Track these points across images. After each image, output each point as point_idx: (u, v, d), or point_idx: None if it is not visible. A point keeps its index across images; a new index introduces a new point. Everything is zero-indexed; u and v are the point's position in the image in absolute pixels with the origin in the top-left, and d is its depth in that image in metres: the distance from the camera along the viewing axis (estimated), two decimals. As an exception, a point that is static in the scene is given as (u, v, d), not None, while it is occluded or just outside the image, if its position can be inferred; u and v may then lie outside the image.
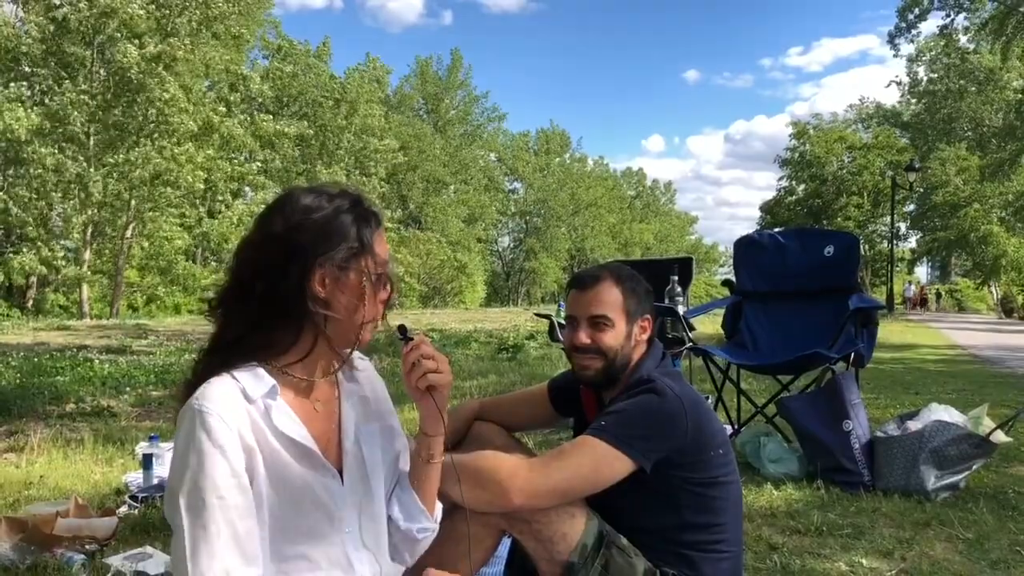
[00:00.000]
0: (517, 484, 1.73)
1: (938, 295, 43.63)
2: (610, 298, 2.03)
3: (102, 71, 21.65)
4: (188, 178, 21.36)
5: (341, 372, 1.56)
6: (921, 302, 35.85)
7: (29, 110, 19.50)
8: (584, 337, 2.03)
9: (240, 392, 1.38)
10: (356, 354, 1.59)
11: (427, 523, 1.61)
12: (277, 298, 1.39)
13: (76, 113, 20.36)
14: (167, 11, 21.95)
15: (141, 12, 20.41)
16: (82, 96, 20.57)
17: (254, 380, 1.40)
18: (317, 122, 31.71)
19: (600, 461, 1.80)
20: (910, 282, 42.71)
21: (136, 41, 20.77)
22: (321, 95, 33.34)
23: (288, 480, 1.41)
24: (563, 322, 5.70)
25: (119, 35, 20.93)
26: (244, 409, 1.37)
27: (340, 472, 1.49)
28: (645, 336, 2.10)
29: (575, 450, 1.83)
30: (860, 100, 52.52)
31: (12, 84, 19.66)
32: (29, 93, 20.72)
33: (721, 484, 1.99)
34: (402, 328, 1.53)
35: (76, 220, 21.21)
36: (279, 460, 1.40)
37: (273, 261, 1.39)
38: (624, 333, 2.04)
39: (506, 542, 2.01)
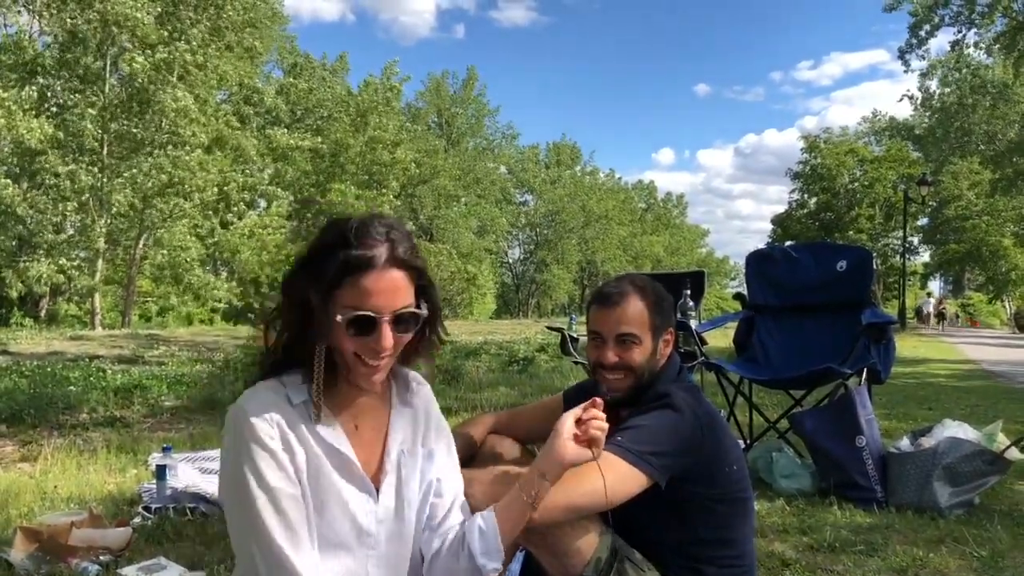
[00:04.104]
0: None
1: (956, 315, 43.10)
2: (637, 315, 2.01)
3: (114, 82, 21.80)
4: (199, 183, 21.43)
5: (396, 392, 1.59)
6: (939, 316, 35.13)
7: (44, 120, 19.63)
8: (612, 356, 2.00)
9: (284, 397, 1.44)
10: (415, 377, 1.63)
11: (499, 564, 1.58)
12: (297, 318, 1.45)
13: (89, 125, 20.50)
14: (178, 22, 22.13)
15: (148, 19, 20.48)
16: (95, 107, 20.72)
17: (296, 387, 1.46)
18: (331, 136, 31.82)
19: (615, 477, 1.78)
20: (929, 294, 42.03)
21: (148, 51, 20.91)
22: (336, 110, 33.50)
23: (323, 486, 1.44)
24: (575, 335, 5.70)
25: (131, 46, 21.08)
26: (286, 412, 1.42)
27: (377, 490, 1.51)
28: (668, 350, 2.09)
29: (591, 466, 1.83)
30: (873, 113, 52.51)
31: (24, 91, 19.78)
32: (44, 105, 20.89)
33: (734, 500, 1.98)
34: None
35: (97, 229, 21.32)
36: (317, 465, 1.44)
37: (286, 283, 1.47)
38: (651, 349, 2.02)
39: (519, 556, 2.02)
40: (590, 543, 1.80)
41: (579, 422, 1.66)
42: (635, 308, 2.01)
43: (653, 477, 1.83)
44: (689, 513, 1.93)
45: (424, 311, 1.47)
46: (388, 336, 1.41)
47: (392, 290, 1.41)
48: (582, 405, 1.68)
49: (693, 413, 1.93)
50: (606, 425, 1.66)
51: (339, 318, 1.38)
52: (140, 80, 20.59)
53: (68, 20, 20.81)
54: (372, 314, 1.39)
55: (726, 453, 1.98)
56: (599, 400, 1.69)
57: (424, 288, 1.49)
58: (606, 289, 2.08)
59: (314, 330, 1.43)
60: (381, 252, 1.40)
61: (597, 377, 2.07)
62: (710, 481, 1.93)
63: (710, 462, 1.93)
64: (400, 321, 1.43)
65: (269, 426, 1.39)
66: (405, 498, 1.55)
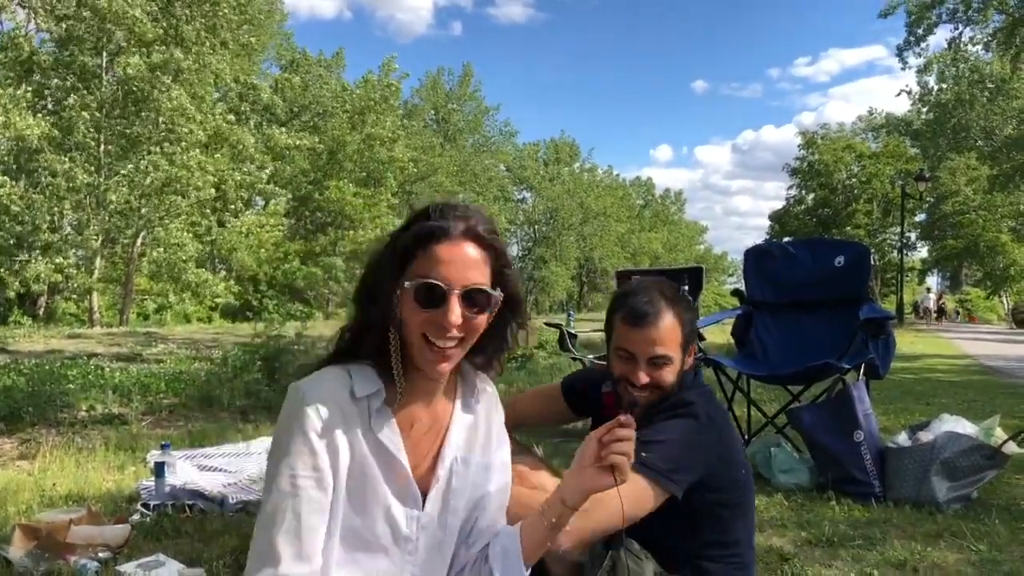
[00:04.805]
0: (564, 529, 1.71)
1: (956, 311, 43.06)
2: (670, 335, 1.95)
3: (111, 79, 21.74)
4: (198, 183, 21.39)
5: (461, 398, 1.54)
6: (939, 312, 35.03)
7: (41, 118, 19.58)
8: (644, 377, 1.95)
9: (348, 389, 1.40)
10: (482, 378, 1.57)
11: None
12: (373, 307, 1.42)
13: (82, 124, 20.47)
14: (173, 19, 22.06)
15: (142, 17, 20.39)
16: (91, 107, 20.71)
17: (364, 379, 1.42)
18: (328, 133, 31.79)
19: (641, 497, 1.78)
20: (929, 290, 41.96)
21: (144, 50, 20.84)
22: (332, 106, 33.49)
23: (368, 487, 1.41)
24: (573, 332, 5.69)
25: (126, 44, 21.00)
26: (347, 406, 1.39)
27: (424, 495, 1.47)
28: (691, 360, 2.04)
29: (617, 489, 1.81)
30: (869, 112, 52.57)
31: (21, 89, 19.70)
32: (43, 103, 20.84)
33: (739, 504, 2.00)
34: (630, 405, 1.57)
35: (92, 228, 21.29)
36: (366, 465, 1.41)
37: (367, 269, 1.45)
38: (680, 366, 1.99)
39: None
40: None
41: (602, 443, 1.50)
42: (668, 327, 1.95)
43: (672, 491, 1.83)
44: (698, 518, 1.93)
45: (495, 293, 1.40)
46: (456, 310, 1.34)
47: (464, 262, 1.37)
48: (606, 425, 1.50)
49: (713, 423, 1.93)
50: (630, 449, 1.48)
51: (407, 284, 1.35)
52: (137, 84, 20.54)
53: (64, 22, 20.77)
54: (440, 284, 1.34)
55: (738, 459, 2.00)
56: (625, 419, 1.49)
57: (502, 273, 1.43)
58: (639, 307, 1.97)
59: (388, 312, 1.39)
60: (458, 225, 1.38)
61: (620, 390, 2.02)
62: (720, 488, 1.94)
63: (724, 470, 1.94)
64: (470, 298, 1.37)
65: (321, 420, 1.35)
66: (452, 507, 1.51)
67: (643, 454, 1.82)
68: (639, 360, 1.96)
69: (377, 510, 1.42)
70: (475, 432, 1.56)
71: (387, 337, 1.41)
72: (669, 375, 1.96)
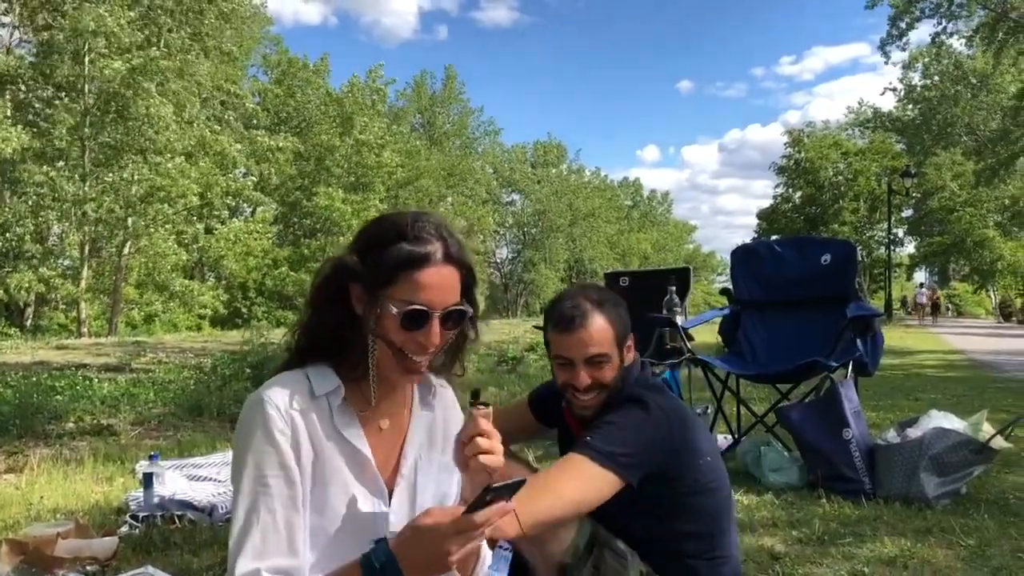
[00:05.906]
0: (510, 516, 1.71)
1: (947, 308, 43.02)
2: (602, 333, 2.00)
3: (92, 88, 21.59)
4: (182, 191, 21.25)
5: (418, 396, 1.57)
6: (933, 308, 35.02)
7: (20, 130, 19.41)
8: (585, 379, 1.99)
9: (307, 389, 1.42)
10: (438, 381, 1.60)
11: None
12: (333, 309, 1.44)
13: (64, 131, 20.35)
14: (155, 27, 21.95)
15: (116, 29, 20.28)
16: (74, 114, 20.60)
17: (322, 378, 1.44)
18: (314, 140, 31.72)
19: (588, 482, 1.79)
20: (921, 285, 41.99)
21: (126, 56, 20.72)
22: (318, 111, 33.43)
23: (334, 484, 1.42)
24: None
25: (107, 51, 20.86)
26: (307, 405, 1.40)
27: (390, 493, 1.48)
28: (631, 355, 2.09)
29: (563, 473, 1.81)
30: (859, 103, 52.82)
31: (1, 101, 19.58)
32: (22, 114, 20.71)
33: (710, 491, 2.00)
34: (475, 392, 1.52)
35: (73, 237, 21.18)
36: (331, 462, 1.41)
37: (330, 274, 1.46)
38: (619, 362, 2.03)
39: (507, 556, 2.01)
40: (569, 530, 1.80)
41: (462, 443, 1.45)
42: (599, 327, 2.00)
43: (624, 477, 1.83)
44: (666, 509, 1.94)
45: (469, 309, 1.47)
46: (437, 332, 1.41)
47: (445, 286, 1.42)
48: (465, 426, 1.44)
49: (662, 410, 1.94)
50: (487, 445, 1.40)
51: (394, 311, 1.38)
52: (115, 86, 20.40)
53: (43, 32, 20.68)
54: (426, 308, 1.39)
55: (698, 446, 1.99)
56: (476, 411, 1.42)
57: (468, 287, 1.48)
58: (566, 311, 2.02)
59: (349, 321, 1.42)
60: (437, 248, 1.42)
61: (569, 397, 2.07)
62: (683, 476, 1.94)
63: (681, 457, 1.94)
64: (448, 318, 1.43)
65: (283, 420, 1.37)
66: (418, 504, 1.52)
67: (588, 438, 1.85)
68: (577, 364, 2.00)
69: (343, 507, 1.42)
70: (434, 430, 1.58)
71: (346, 337, 1.44)
72: (609, 372, 2.00)
